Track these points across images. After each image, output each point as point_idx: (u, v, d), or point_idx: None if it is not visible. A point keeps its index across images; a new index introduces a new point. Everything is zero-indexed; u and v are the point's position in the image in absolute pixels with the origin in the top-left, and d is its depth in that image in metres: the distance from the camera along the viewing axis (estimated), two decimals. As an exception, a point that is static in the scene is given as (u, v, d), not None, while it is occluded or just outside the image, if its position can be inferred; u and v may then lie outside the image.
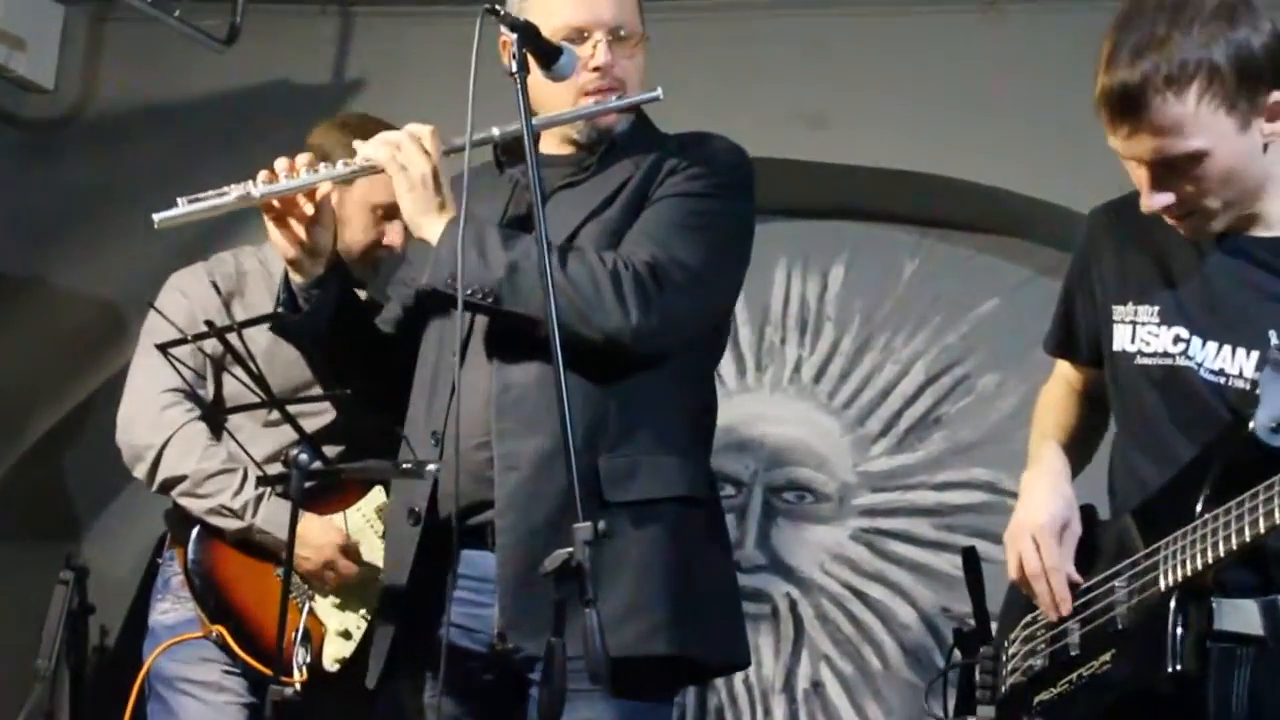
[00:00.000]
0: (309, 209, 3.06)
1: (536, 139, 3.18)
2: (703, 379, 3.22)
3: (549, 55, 2.93)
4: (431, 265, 2.96)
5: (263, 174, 3.03)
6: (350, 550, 3.94)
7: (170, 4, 5.34)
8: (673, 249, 3.00)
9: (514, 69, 2.86)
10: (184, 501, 3.98)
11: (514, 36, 2.86)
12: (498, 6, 2.90)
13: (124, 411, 4.07)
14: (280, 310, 3.16)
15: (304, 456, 3.16)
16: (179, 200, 3.02)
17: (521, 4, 3.17)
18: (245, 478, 3.91)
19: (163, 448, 3.97)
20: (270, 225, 3.08)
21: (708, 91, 5.17)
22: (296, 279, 3.13)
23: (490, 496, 2.98)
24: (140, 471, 4.04)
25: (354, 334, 3.21)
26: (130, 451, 4.05)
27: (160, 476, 3.99)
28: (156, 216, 3.02)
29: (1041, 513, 2.91)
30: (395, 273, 3.47)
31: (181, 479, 3.96)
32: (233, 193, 3.01)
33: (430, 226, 2.98)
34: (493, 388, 3.00)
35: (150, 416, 4.00)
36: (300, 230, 3.06)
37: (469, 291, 2.89)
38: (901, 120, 5.37)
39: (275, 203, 3.04)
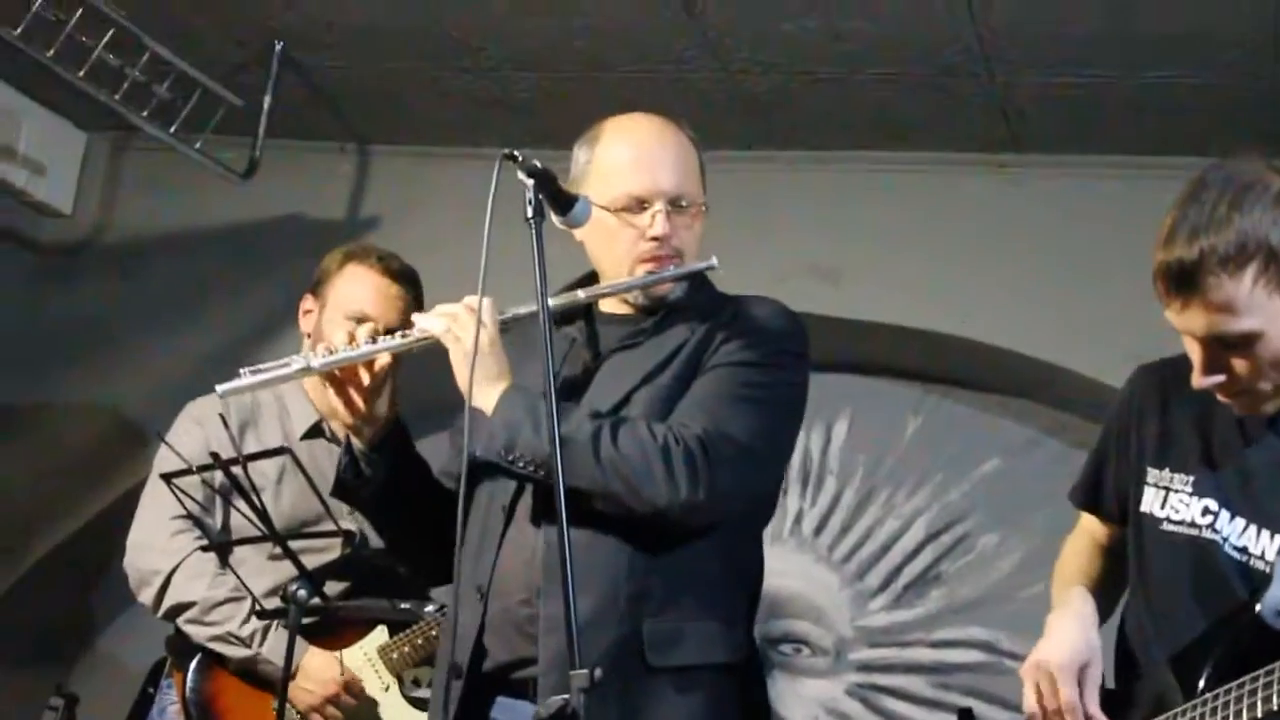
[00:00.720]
0: (366, 378, 3.09)
1: (589, 304, 3.21)
2: (751, 544, 3.19)
3: (564, 202, 2.91)
4: (487, 437, 2.96)
5: (322, 345, 3.10)
6: (353, 687, 3.91)
7: (192, 136, 5.39)
8: (724, 422, 2.98)
9: (530, 214, 2.84)
10: (189, 629, 3.95)
11: (530, 183, 2.85)
12: (516, 153, 2.89)
13: (134, 537, 4.06)
14: (343, 475, 3.17)
15: (302, 592, 3.15)
16: (242, 371, 3.07)
17: (584, 169, 3.18)
18: (254, 606, 3.88)
19: (171, 573, 3.95)
20: (331, 394, 3.11)
21: (722, 242, 5.20)
22: (356, 444, 3.15)
23: (532, 653, 2.95)
24: (146, 597, 4.02)
25: (416, 494, 3.21)
26: (137, 576, 4.03)
27: (167, 602, 3.97)
28: (220, 387, 3.07)
29: (1063, 651, 2.86)
30: (454, 421, 3.47)
31: (189, 605, 3.94)
32: (294, 364, 3.06)
33: (486, 396, 2.97)
34: (540, 545, 2.98)
35: (160, 542, 3.99)
36: (358, 399, 3.09)
37: (522, 463, 2.92)
38: (912, 277, 5.40)
39: (336, 372, 3.08)
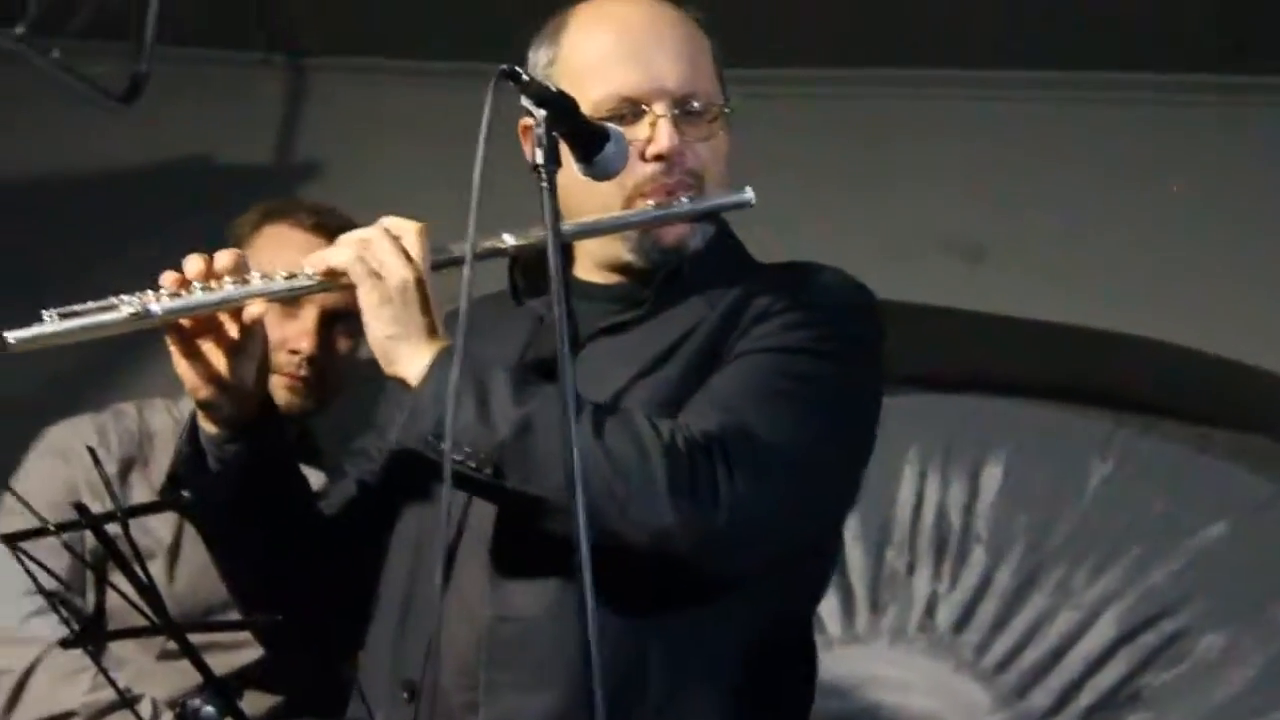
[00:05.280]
0: (232, 331, 3.06)
1: (569, 256, 3.22)
2: (796, 621, 3.20)
3: (590, 141, 2.91)
4: (408, 414, 2.93)
5: (169, 279, 3.02)
6: None
7: (46, 41, 5.40)
8: (755, 422, 2.96)
9: (539, 160, 2.82)
10: None
11: (541, 114, 2.84)
12: (518, 69, 2.91)
13: None
14: (180, 471, 3.16)
15: (209, 709, 3.17)
16: (44, 314, 3.00)
17: (548, 68, 3.20)
18: (157, 709, 3.90)
19: (26, 674, 3.99)
20: (174, 351, 3.07)
21: (818, 203, 5.24)
22: (208, 428, 3.13)
23: None
24: None
25: (282, 514, 3.18)
26: None
27: (25, 716, 3.99)
28: (12, 335, 2.98)
29: None
30: (357, 440, 3.49)
31: (64, 717, 3.98)
32: (124, 308, 2.99)
33: (410, 359, 2.95)
34: (484, 619, 2.99)
35: (7, 630, 4.04)
36: (219, 361, 3.07)
37: (460, 458, 2.85)
38: (1094, 256, 5.43)
39: (184, 323, 3.05)
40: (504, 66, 2.86)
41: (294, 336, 4.07)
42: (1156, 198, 5.42)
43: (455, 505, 2.96)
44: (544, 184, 2.82)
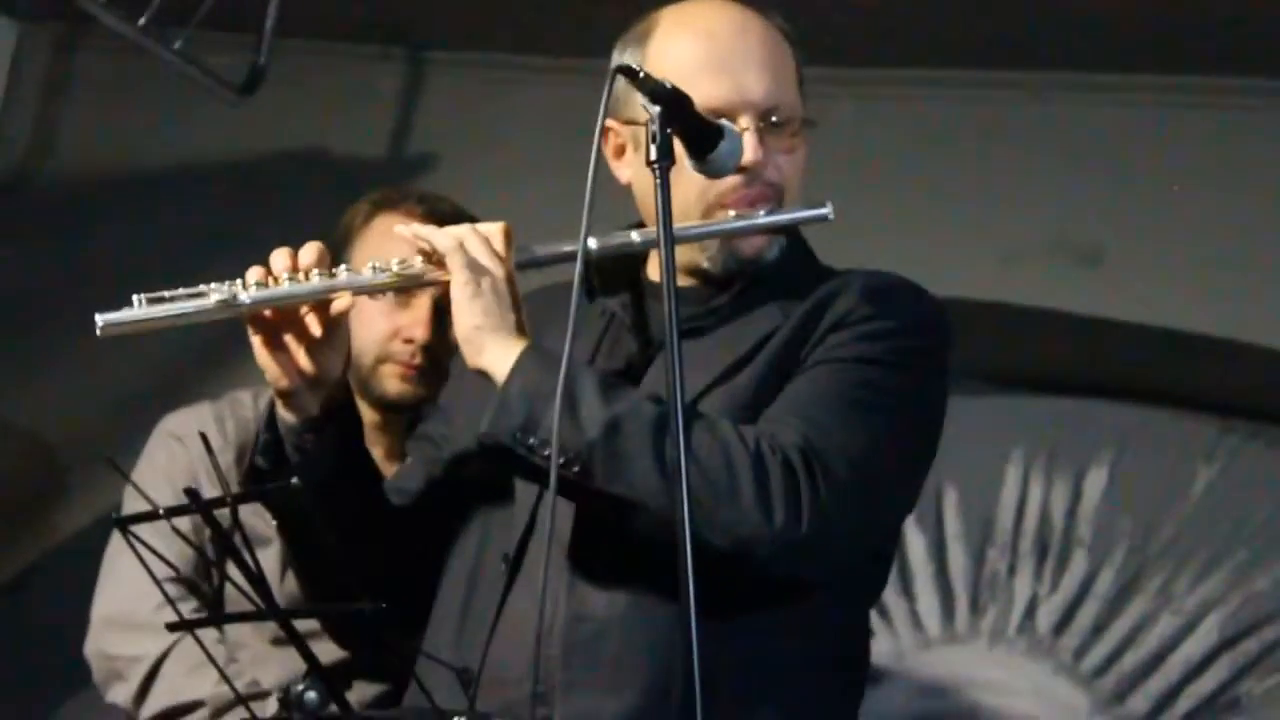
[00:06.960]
0: (315, 327, 3.08)
1: (643, 258, 3.23)
2: (859, 618, 3.23)
3: (704, 138, 2.93)
4: (495, 409, 2.94)
5: (255, 272, 3.05)
6: None
7: (169, 31, 5.40)
8: (833, 433, 2.98)
9: (652, 157, 2.84)
10: None
11: (656, 110, 2.86)
12: (635, 66, 2.91)
13: (100, 609, 4.09)
14: (258, 459, 3.19)
15: (311, 694, 3.15)
16: (135, 299, 3.03)
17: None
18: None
19: (160, 660, 3.98)
20: (256, 343, 3.09)
21: (916, 205, 5.20)
22: (287, 417, 3.15)
23: None
24: (121, 696, 4.04)
25: (354, 504, 3.20)
26: (105, 667, 4.06)
27: (156, 703, 3.99)
28: (101, 318, 3.01)
29: None
30: (422, 423, 3.49)
31: (193, 706, 3.97)
32: (213, 295, 3.02)
33: (497, 351, 2.97)
34: (560, 617, 2.99)
35: (140, 615, 4.01)
36: (300, 354, 3.09)
37: (546, 454, 2.87)
38: (1209, 260, 5.38)
39: (267, 313, 3.07)
40: (619, 64, 2.87)
41: (408, 325, 4.06)
42: (1265, 204, 5.35)
43: (525, 502, 2.99)
44: (657, 180, 2.83)
